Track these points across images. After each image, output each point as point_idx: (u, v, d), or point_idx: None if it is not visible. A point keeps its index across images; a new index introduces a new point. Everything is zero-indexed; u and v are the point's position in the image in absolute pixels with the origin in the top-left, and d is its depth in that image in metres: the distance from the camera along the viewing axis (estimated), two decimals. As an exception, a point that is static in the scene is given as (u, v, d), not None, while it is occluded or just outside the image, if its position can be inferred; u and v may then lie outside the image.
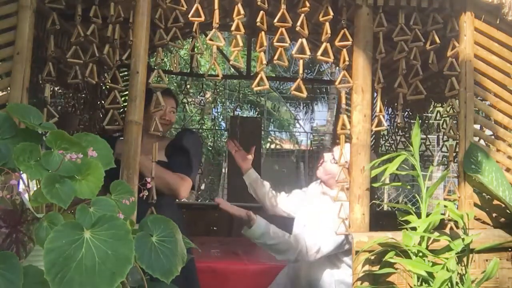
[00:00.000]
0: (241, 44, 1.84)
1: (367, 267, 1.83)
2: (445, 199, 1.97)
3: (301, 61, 1.92)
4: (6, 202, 1.05)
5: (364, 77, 1.95)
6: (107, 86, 3.60)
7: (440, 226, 1.85)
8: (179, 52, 8.73)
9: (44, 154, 1.06)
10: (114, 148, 2.14)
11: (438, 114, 4.11)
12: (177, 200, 2.40)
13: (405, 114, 3.87)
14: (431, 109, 4.30)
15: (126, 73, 3.45)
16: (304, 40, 1.89)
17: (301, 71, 1.88)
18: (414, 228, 1.78)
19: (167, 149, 2.33)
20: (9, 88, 1.84)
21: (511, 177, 1.98)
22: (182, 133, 2.49)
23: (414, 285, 1.73)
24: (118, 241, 0.95)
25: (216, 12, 1.83)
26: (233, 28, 1.83)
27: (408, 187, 2.20)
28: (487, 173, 1.89)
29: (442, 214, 1.85)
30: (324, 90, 14.30)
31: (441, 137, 3.77)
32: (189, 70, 5.49)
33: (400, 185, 2.18)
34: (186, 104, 6.86)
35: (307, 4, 1.88)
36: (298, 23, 1.87)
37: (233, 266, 2.76)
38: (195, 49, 2.78)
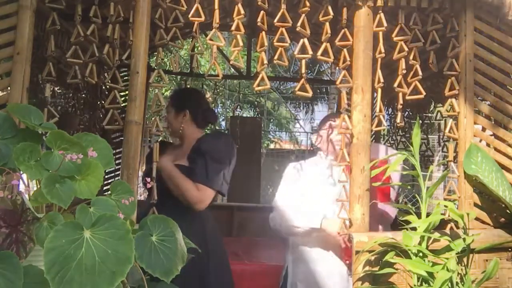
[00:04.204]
0: (241, 44, 1.84)
1: (367, 267, 1.83)
2: (445, 199, 1.97)
3: (303, 61, 1.92)
4: (6, 202, 1.04)
5: (364, 77, 1.95)
6: (107, 86, 3.60)
7: (440, 226, 1.84)
8: (179, 52, 8.74)
9: (44, 154, 1.06)
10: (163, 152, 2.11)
11: (439, 114, 4.11)
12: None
13: (405, 114, 3.86)
14: (431, 109, 4.30)
15: (126, 73, 3.45)
16: (306, 40, 1.89)
17: (303, 71, 1.88)
18: (414, 228, 1.78)
19: (189, 153, 2.15)
20: (9, 88, 1.84)
21: (511, 177, 1.98)
22: (204, 136, 2.23)
23: (414, 285, 1.73)
24: (118, 241, 0.95)
25: (216, 12, 1.83)
26: (233, 28, 1.83)
27: (408, 187, 2.20)
28: (487, 173, 1.89)
29: (442, 214, 1.85)
30: (324, 90, 14.31)
31: (441, 137, 3.77)
32: (189, 70, 5.49)
33: (400, 185, 2.17)
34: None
35: (307, 4, 1.88)
36: (299, 23, 1.87)
37: (233, 266, 2.76)
38: (195, 49, 2.78)
